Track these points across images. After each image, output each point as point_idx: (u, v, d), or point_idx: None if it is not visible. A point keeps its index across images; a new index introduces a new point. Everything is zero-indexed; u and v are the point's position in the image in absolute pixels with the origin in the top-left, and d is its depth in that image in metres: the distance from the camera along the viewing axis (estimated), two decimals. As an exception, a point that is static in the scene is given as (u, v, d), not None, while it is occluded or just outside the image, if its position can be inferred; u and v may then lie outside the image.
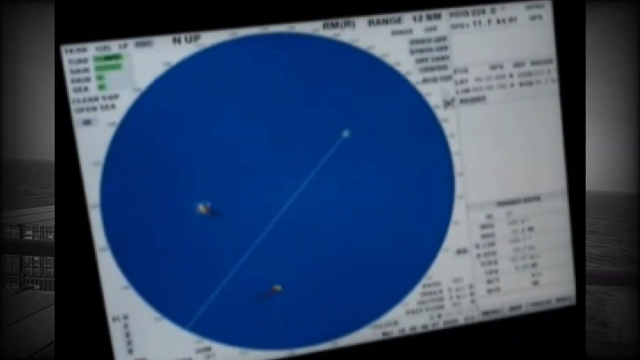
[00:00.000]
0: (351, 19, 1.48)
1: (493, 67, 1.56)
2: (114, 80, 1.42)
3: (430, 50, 1.52)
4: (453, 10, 1.53)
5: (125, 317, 1.48)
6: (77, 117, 1.41)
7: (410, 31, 1.51)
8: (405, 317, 1.58)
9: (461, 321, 1.61)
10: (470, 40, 1.54)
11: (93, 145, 1.42)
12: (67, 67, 1.40)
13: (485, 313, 1.62)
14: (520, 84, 1.57)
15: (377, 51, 1.50)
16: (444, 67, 1.54)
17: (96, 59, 1.41)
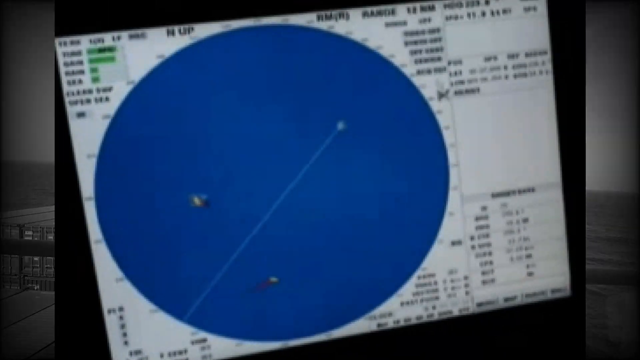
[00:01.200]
0: (345, 10, 1.48)
1: (487, 59, 1.56)
2: (108, 72, 1.42)
3: (424, 42, 1.53)
4: (447, 1, 1.53)
5: (121, 309, 1.48)
6: (71, 110, 1.41)
7: (404, 23, 1.51)
8: (400, 308, 1.58)
9: (456, 312, 1.61)
10: (465, 32, 1.54)
11: (87, 138, 1.42)
12: (60, 59, 1.40)
13: (480, 304, 1.62)
14: (515, 76, 1.57)
15: (371, 43, 1.50)
16: (438, 59, 1.54)
17: (90, 51, 1.41)
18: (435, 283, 1.59)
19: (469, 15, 1.54)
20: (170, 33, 1.43)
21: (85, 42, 1.41)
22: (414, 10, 1.52)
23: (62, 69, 1.41)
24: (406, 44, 1.52)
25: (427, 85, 1.54)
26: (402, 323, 1.59)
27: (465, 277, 1.61)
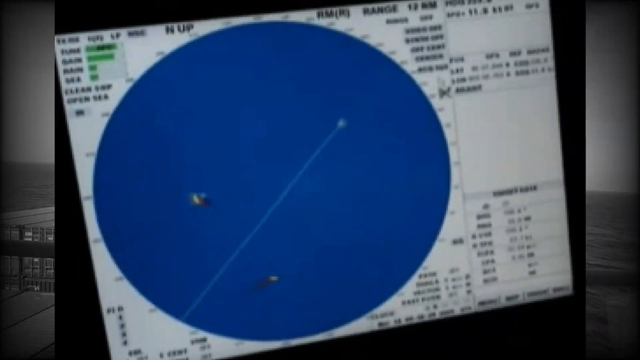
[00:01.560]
0: (346, 7, 1.47)
1: (489, 56, 1.55)
2: (107, 70, 1.41)
3: (425, 39, 1.52)
4: None
5: (120, 308, 1.47)
6: (69, 108, 1.40)
7: (405, 20, 1.50)
8: (402, 307, 1.57)
9: (457, 311, 1.60)
10: (466, 29, 1.53)
11: (86, 136, 1.41)
12: (59, 57, 1.39)
13: (482, 303, 1.61)
14: (517, 73, 1.56)
15: (372, 40, 1.49)
16: (440, 56, 1.53)
17: (88, 49, 1.40)
18: (437, 282, 1.58)
19: (470, 12, 1.53)
20: (170, 30, 1.42)
21: (83, 39, 1.40)
22: (415, 7, 1.50)
23: (61, 67, 1.40)
24: (407, 41, 1.51)
25: (429, 83, 1.53)
26: (403, 322, 1.58)
27: (467, 276, 1.59)
